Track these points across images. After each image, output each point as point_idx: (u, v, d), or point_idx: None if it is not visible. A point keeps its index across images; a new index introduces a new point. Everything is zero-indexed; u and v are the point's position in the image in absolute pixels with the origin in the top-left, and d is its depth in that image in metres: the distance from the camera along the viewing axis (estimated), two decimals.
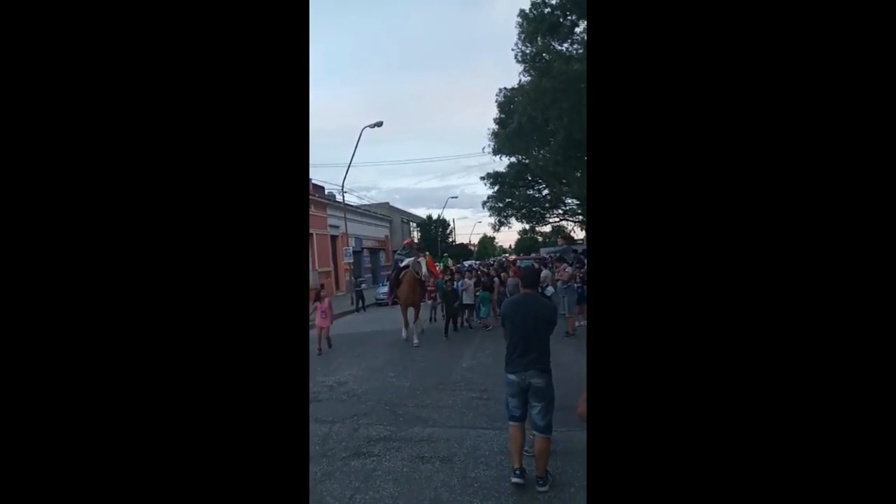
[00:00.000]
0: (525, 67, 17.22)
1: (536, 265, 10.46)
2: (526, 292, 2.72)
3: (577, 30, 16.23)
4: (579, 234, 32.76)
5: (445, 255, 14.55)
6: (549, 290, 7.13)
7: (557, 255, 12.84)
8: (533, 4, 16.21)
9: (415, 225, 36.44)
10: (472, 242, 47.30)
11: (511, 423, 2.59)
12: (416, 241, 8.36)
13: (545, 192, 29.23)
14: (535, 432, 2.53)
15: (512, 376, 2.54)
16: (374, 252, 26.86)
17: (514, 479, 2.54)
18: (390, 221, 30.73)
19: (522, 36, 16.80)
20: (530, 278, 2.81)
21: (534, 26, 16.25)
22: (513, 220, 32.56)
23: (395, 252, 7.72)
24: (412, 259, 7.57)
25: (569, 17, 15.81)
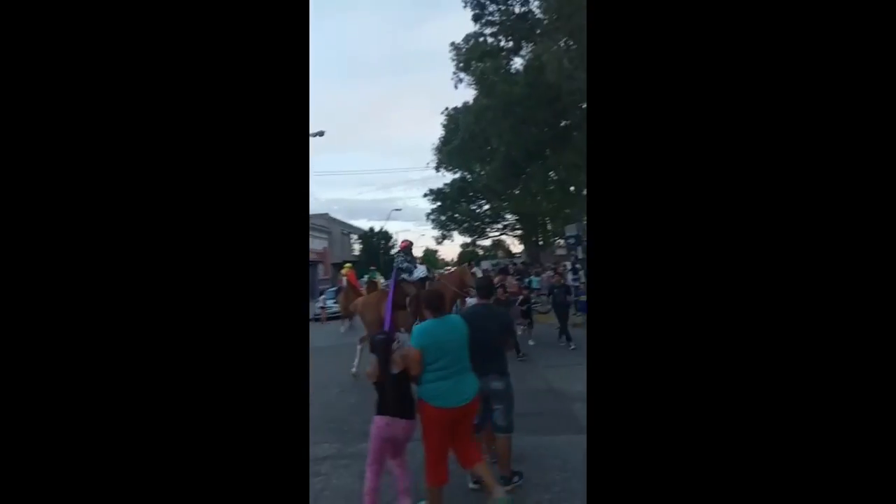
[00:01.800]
0: (472, 80, 17.89)
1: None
2: (483, 303, 2.84)
3: (516, 56, 17.20)
4: (517, 248, 34.17)
5: (373, 267, 13.93)
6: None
7: (497, 267, 13.28)
8: (465, 37, 16.91)
9: (356, 237, 35.67)
10: (415, 255, 47.20)
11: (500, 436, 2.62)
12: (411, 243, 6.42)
13: (486, 207, 30.21)
14: (497, 433, 2.59)
15: None
16: (312, 265, 25.82)
17: (472, 486, 2.57)
18: (329, 233, 29.81)
19: (458, 64, 17.49)
20: (486, 289, 2.91)
21: (467, 56, 16.99)
22: (455, 233, 33.14)
23: (396, 258, 6.00)
24: (419, 269, 5.61)
25: (507, 44, 16.69)
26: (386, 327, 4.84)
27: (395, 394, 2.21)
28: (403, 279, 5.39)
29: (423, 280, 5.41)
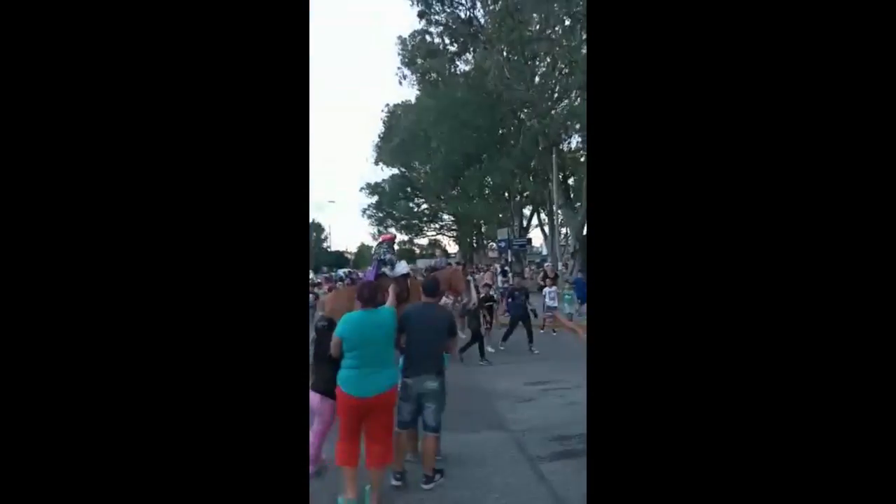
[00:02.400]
0: (416, 78, 17.86)
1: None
2: (426, 301, 2.82)
3: (459, 61, 17.50)
4: (453, 248, 34.72)
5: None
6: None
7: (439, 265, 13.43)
8: (411, 34, 16.95)
9: None
10: (348, 250, 46.01)
11: (400, 429, 2.63)
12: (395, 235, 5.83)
13: (423, 206, 30.33)
14: (425, 432, 2.62)
15: (408, 380, 2.59)
16: None
17: (394, 482, 2.57)
18: None
19: (404, 59, 17.46)
20: (431, 288, 2.89)
21: (413, 52, 17.04)
22: (392, 230, 32.84)
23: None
24: (400, 265, 5.22)
25: (452, 46, 16.93)
26: None
27: (328, 375, 2.45)
28: (384, 273, 5.06)
29: (405, 276, 5.15)
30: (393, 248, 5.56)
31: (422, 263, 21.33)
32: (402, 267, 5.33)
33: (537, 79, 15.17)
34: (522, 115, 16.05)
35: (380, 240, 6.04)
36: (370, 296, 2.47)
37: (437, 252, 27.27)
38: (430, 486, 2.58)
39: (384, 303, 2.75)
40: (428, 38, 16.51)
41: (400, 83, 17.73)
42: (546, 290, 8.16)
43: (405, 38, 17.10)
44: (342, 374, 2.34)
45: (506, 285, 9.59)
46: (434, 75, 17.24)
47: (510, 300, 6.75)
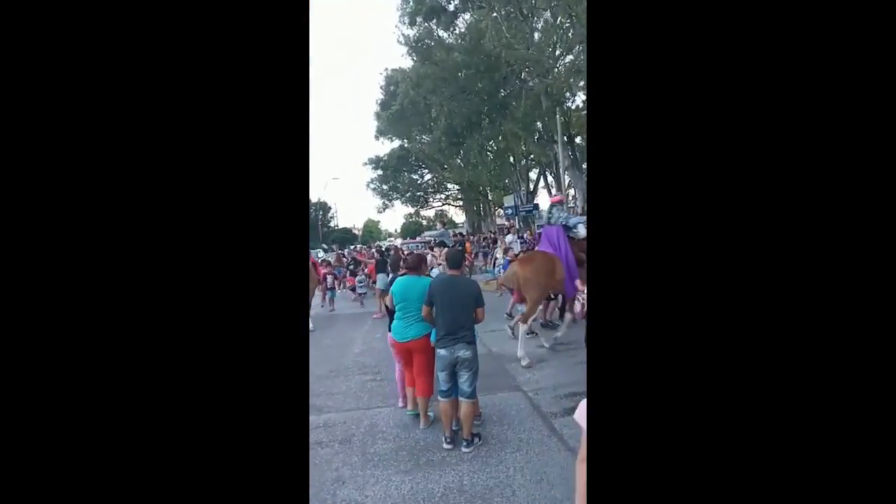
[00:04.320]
0: (408, 50, 17.24)
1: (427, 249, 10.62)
2: (452, 273, 2.99)
3: (459, 19, 16.78)
4: (460, 217, 34.52)
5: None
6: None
7: (438, 239, 13.39)
8: None
9: None
10: (355, 227, 46.16)
11: (441, 399, 2.84)
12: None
13: (427, 177, 30.04)
14: (462, 399, 2.80)
15: (442, 351, 2.78)
16: None
17: (446, 446, 2.81)
18: None
19: (403, 18, 16.74)
20: (455, 260, 3.06)
21: (414, 8, 16.30)
22: (397, 203, 32.68)
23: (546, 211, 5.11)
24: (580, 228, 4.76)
25: (451, 3, 16.18)
26: (570, 287, 4.54)
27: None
28: (572, 237, 4.70)
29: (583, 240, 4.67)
30: (565, 211, 5.11)
31: (427, 235, 21.28)
32: (581, 227, 4.83)
33: (537, 35, 14.55)
34: (524, 75, 15.51)
35: (551, 202, 5.57)
36: (415, 265, 3.30)
37: (439, 224, 27.04)
38: (470, 448, 2.76)
39: (426, 273, 3.51)
40: None
41: (398, 41, 17.02)
42: None
43: None
44: (392, 324, 3.17)
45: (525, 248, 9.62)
46: (428, 41, 16.56)
47: None
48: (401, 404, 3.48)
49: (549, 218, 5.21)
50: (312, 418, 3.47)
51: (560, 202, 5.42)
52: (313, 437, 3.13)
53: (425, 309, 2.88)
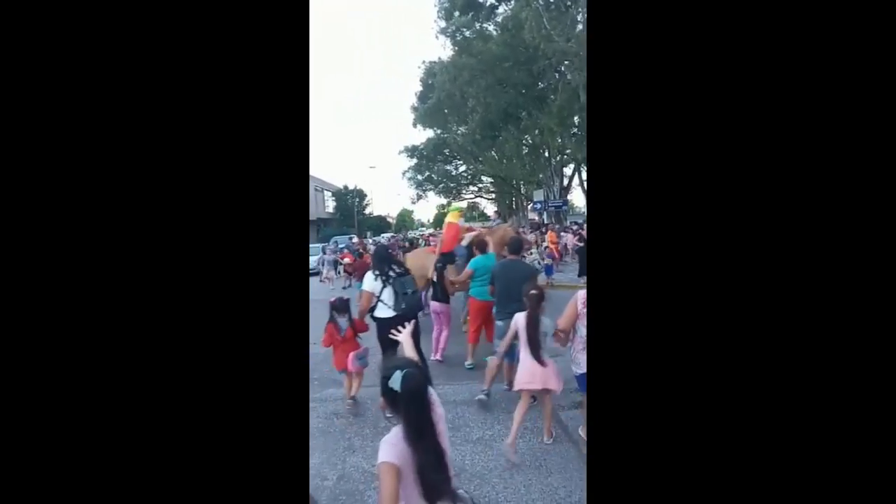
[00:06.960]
0: (448, 40, 17.22)
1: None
2: (511, 258, 3.62)
3: (499, 10, 16.56)
4: (492, 210, 34.26)
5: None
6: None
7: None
8: None
9: (329, 194, 34.91)
10: (390, 215, 46.86)
11: (494, 358, 3.27)
12: None
13: (462, 168, 29.96)
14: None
15: (500, 322, 3.39)
16: None
17: (481, 396, 3.29)
18: None
19: (441, 12, 16.72)
20: (515, 246, 3.71)
21: (451, 2, 16.22)
22: (430, 193, 32.83)
23: None
24: None
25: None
26: None
27: (445, 293, 4.57)
28: None
29: None
30: None
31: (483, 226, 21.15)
32: None
33: (579, 26, 14.16)
34: (563, 68, 15.16)
35: None
36: (484, 247, 4.19)
37: (493, 216, 26.96)
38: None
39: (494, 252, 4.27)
40: None
41: (436, 37, 17.07)
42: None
43: None
44: (475, 291, 4.03)
45: (580, 244, 9.45)
46: (466, 32, 16.44)
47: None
48: (436, 357, 4.44)
49: None
50: (332, 391, 3.72)
51: None
52: (331, 408, 3.37)
53: (490, 287, 3.61)
